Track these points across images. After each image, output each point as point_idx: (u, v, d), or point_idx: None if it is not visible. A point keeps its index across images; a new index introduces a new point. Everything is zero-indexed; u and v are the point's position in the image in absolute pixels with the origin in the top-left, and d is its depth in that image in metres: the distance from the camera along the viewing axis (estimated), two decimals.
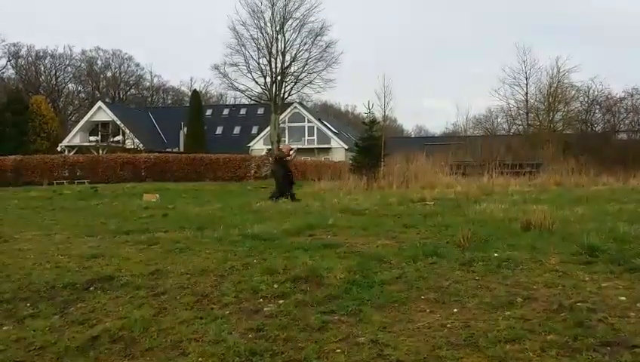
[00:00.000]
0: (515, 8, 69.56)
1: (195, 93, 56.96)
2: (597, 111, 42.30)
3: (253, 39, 37.31)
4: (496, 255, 6.28)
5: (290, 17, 37.44)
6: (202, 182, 29.67)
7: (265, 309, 4.73)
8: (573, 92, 42.72)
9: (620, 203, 12.64)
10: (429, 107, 75.81)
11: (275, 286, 5.32)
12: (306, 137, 53.41)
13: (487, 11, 75.58)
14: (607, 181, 23.33)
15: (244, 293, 5.18)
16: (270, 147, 38.19)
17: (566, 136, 38.70)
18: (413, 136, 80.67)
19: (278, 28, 37.32)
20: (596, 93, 41.69)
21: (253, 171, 33.49)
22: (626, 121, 41.33)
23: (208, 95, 74.56)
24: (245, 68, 37.55)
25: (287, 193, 16.21)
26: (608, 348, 3.60)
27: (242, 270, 6.04)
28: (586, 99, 42.26)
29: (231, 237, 8.15)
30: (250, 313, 4.68)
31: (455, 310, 4.53)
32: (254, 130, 56.10)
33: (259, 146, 50.57)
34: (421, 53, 76.14)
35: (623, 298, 4.56)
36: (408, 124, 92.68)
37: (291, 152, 18.18)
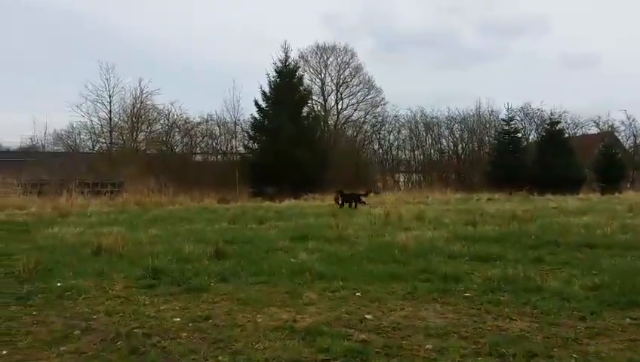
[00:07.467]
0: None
1: None
2: (177, 133, 44.96)
3: None
4: (59, 284, 5.99)
5: None
6: None
7: None
8: (156, 114, 44.42)
9: (192, 222, 13.62)
10: (3, 119, 67.83)
11: None
12: None
13: (63, 34, 72.16)
14: (184, 200, 24.96)
15: None
16: None
17: (148, 156, 39.93)
18: None
19: None
20: (176, 116, 44.31)
21: None
22: (202, 145, 45.15)
23: None
24: None
25: None
26: None
27: None
28: (166, 122, 44.48)
29: None
30: None
31: (4, 352, 4.11)
32: None
33: None
34: None
35: (178, 319, 4.85)
36: None
37: None
